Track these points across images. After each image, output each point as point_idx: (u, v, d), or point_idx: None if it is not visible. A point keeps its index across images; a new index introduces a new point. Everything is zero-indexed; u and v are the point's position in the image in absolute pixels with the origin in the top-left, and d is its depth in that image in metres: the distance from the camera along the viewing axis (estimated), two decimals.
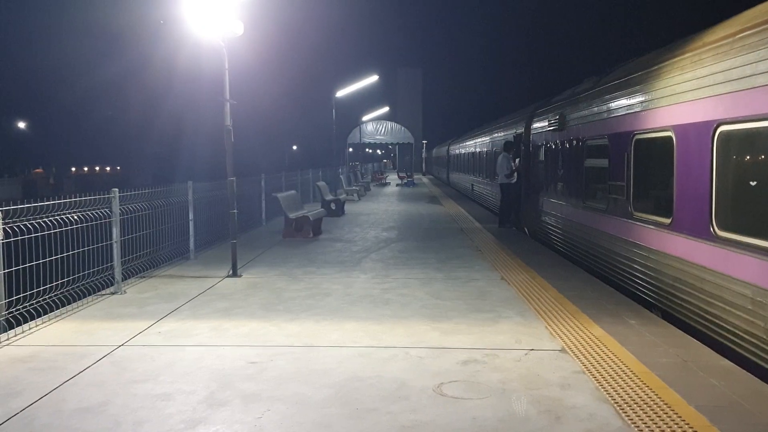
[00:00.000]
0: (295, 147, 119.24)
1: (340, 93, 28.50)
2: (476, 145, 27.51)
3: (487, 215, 20.25)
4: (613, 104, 9.48)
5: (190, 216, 11.39)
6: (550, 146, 13.49)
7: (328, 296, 8.40)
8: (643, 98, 8.35)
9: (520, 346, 6.14)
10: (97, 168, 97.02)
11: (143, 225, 9.88)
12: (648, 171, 8.42)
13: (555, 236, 12.95)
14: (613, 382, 5.15)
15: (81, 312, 7.58)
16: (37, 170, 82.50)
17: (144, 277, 9.72)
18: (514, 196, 16.55)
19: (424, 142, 71.96)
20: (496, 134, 21.44)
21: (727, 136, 6.21)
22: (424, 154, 70.56)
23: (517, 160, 16.71)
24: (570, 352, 5.94)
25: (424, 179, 55.99)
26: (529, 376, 5.30)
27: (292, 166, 28.35)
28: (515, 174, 16.46)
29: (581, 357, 5.80)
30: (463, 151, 33.86)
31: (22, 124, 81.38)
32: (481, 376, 5.32)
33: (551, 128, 13.11)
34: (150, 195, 9.85)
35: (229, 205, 10.17)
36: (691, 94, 6.98)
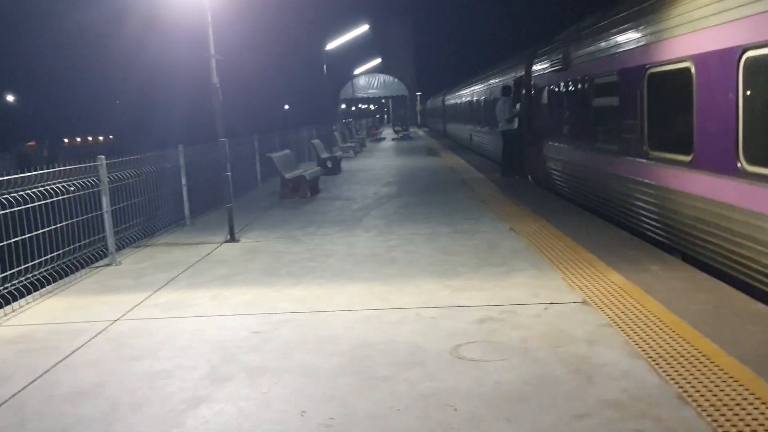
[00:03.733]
0: (287, 106, 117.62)
1: (331, 45, 27.71)
2: (473, 93, 26.87)
3: (488, 165, 19.81)
4: (623, 37, 8.96)
5: (183, 181, 10.95)
6: (554, 88, 12.97)
7: (331, 257, 8.03)
8: (657, 28, 7.84)
9: (538, 300, 5.79)
10: (90, 138, 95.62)
11: (135, 193, 9.48)
12: (664, 107, 7.96)
13: (562, 182, 12.54)
14: (644, 335, 4.81)
15: (74, 287, 7.21)
16: (30, 143, 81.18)
17: (139, 246, 9.33)
18: (516, 143, 16.08)
19: (418, 94, 70.81)
20: (494, 79, 20.83)
21: (754, 63, 5.74)
22: (418, 107, 69.53)
23: (518, 105, 16.20)
24: (593, 304, 5.59)
25: (420, 132, 55.33)
26: (552, 333, 4.96)
27: (286, 126, 27.71)
28: (516, 119, 15.97)
29: (605, 309, 5.45)
30: (459, 100, 33.18)
31: (10, 98, 79.95)
32: (499, 335, 4.98)
33: (554, 69, 12.58)
34: (139, 161, 9.40)
35: (222, 168, 9.72)
36: (712, 19, 6.47)
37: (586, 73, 10.69)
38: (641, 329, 4.93)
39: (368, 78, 38.08)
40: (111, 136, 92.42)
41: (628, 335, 4.82)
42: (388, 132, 50.73)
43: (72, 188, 7.88)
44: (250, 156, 16.64)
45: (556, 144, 12.82)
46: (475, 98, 26.17)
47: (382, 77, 37.97)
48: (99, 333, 5.51)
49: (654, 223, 8.14)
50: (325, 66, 29.40)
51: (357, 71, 41.48)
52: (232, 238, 9.42)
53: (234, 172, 14.65)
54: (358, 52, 45.06)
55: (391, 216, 10.99)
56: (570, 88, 11.74)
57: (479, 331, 5.08)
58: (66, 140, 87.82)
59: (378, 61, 45.14)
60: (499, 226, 9.55)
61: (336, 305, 5.98)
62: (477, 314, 5.48)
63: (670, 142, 7.75)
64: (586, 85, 10.68)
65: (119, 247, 8.84)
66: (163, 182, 10.50)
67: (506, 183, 14.86)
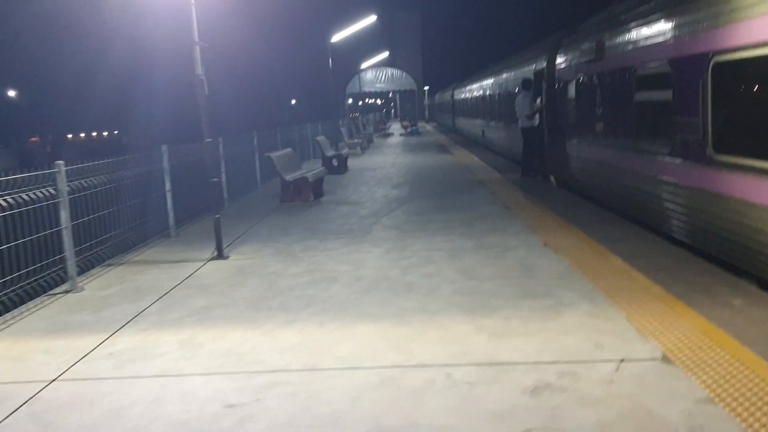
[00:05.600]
0: (294, 101, 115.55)
1: (337, 37, 26.31)
2: (486, 87, 25.43)
3: (503, 163, 18.44)
4: (678, 21, 7.56)
5: (167, 186, 9.62)
6: (584, 80, 11.57)
7: (335, 282, 6.68)
8: (727, 8, 6.44)
9: (604, 355, 4.43)
10: (94, 134, 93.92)
11: (107, 203, 8.18)
12: (737, 101, 6.57)
13: (592, 185, 11.15)
14: (766, 419, 3.45)
15: (19, 324, 5.86)
16: (33, 139, 79.52)
17: (111, 264, 8.01)
18: (538, 140, 14.72)
19: (426, 88, 69.21)
20: (511, 72, 19.42)
21: None
22: (426, 101, 67.93)
23: (539, 100, 14.82)
24: (678, 363, 4.22)
25: (428, 127, 53.86)
26: (637, 413, 3.59)
27: (293, 121, 26.19)
28: (537, 116, 14.61)
29: (697, 371, 4.08)
30: (470, 95, 31.74)
31: (12, 93, 78.57)
32: (565, 415, 3.61)
33: (585, 59, 11.18)
34: (111, 166, 8.08)
35: (211, 172, 8.39)
36: None
37: (626, 62, 9.29)
38: (758, 408, 3.56)
39: (375, 72, 36.61)
40: (116, 132, 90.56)
41: (744, 420, 3.45)
42: (395, 127, 49.32)
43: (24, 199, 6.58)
44: (249, 155, 15.29)
45: (586, 143, 11.43)
46: (488, 92, 24.75)
47: (389, 71, 36.49)
48: (24, 403, 4.16)
49: (717, 239, 6.77)
50: (330, 59, 28.03)
51: (364, 65, 40.04)
52: (220, 255, 8.09)
53: (231, 172, 13.47)
54: (365, 45, 43.65)
55: (404, 225, 9.64)
56: (605, 80, 10.34)
57: (536, 408, 3.72)
58: (70, 136, 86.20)
59: (385, 54, 43.65)
60: (530, 239, 8.19)
61: (339, 358, 4.63)
62: (528, 377, 4.12)
63: (747, 145, 6.35)
64: (627, 77, 9.28)
65: (85, 268, 7.54)
66: (143, 188, 9.18)
67: (527, 184, 13.50)
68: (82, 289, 6.93)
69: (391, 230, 9.33)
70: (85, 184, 7.46)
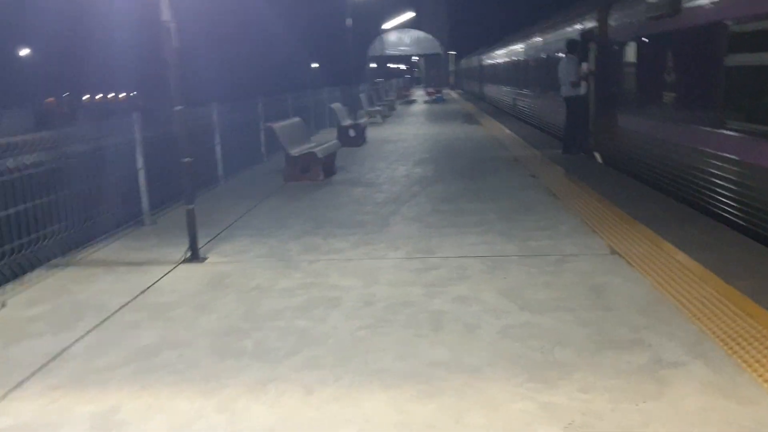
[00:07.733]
0: (316, 65, 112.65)
1: None
2: (521, 51, 23.26)
3: (539, 136, 16.50)
4: None
5: (139, 164, 7.89)
6: (649, 41, 9.57)
7: (336, 307, 4.93)
8: None
9: None
10: (111, 95, 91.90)
11: (55, 186, 6.48)
12: None
13: (656, 168, 9.22)
14: None
15: None
16: (49, 99, 77.66)
17: (57, 266, 6.32)
18: (583, 111, 12.76)
19: (452, 53, 66.41)
20: (551, 33, 17.32)
21: None
22: (452, 67, 65.25)
23: (586, 65, 12.80)
24: None
25: (453, 94, 51.62)
26: None
27: (313, 87, 24.18)
28: (584, 83, 12.62)
29: None
30: (500, 60, 29.52)
31: (26, 52, 76.94)
32: None
33: (653, 14, 9.16)
34: (55, 140, 6.35)
35: (183, 150, 6.66)
36: None
37: (717, 17, 7.29)
38: None
39: (399, 34, 34.26)
40: (134, 93, 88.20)
41: None
42: (419, 93, 47.13)
43: None
44: (253, 124, 13.50)
45: (651, 117, 9.47)
46: (521, 57, 22.61)
47: (414, 33, 34.13)
48: None
49: None
50: (350, 17, 25.97)
51: (387, 25, 37.72)
52: (194, 256, 6.38)
53: (230, 145, 11.75)
54: (388, 4, 41.33)
55: (429, 217, 7.85)
56: (682, 40, 8.36)
57: None
58: (86, 97, 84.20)
59: (410, 15, 41.15)
60: (590, 243, 6.38)
61: None
62: None
63: None
64: (716, 36, 7.30)
65: (18, 272, 5.87)
66: (107, 167, 7.47)
67: (571, 163, 11.63)
68: (3, 305, 5.26)
69: (413, 223, 7.54)
70: (15, 165, 5.74)
